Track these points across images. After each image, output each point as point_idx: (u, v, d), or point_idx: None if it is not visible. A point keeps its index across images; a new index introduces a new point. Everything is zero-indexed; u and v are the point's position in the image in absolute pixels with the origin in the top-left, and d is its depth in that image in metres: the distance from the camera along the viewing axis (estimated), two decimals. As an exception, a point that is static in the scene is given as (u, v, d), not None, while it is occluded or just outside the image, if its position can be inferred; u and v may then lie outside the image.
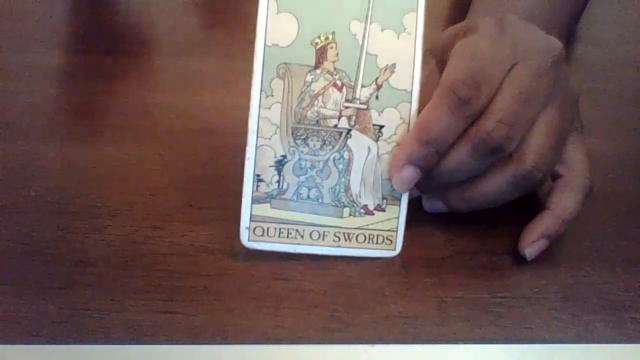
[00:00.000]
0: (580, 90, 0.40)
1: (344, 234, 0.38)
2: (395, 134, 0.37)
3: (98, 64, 0.55)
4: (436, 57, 0.39)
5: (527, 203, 0.40)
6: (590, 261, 0.39)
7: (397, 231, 0.38)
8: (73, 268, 0.37)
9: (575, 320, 0.35)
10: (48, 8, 0.63)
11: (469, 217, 0.39)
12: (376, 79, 0.37)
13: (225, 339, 0.34)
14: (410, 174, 0.36)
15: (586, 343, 0.34)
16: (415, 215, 0.39)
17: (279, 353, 0.34)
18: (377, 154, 0.37)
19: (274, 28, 0.36)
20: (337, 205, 0.37)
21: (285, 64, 0.36)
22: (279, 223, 0.37)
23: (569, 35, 0.52)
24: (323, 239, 0.38)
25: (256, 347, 0.34)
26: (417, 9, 0.37)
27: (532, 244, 0.38)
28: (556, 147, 0.37)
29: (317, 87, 0.36)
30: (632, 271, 0.38)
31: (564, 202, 0.38)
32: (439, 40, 0.39)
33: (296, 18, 0.36)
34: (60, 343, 0.33)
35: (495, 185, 0.37)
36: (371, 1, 0.36)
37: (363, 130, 0.37)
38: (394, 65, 0.37)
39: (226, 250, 0.38)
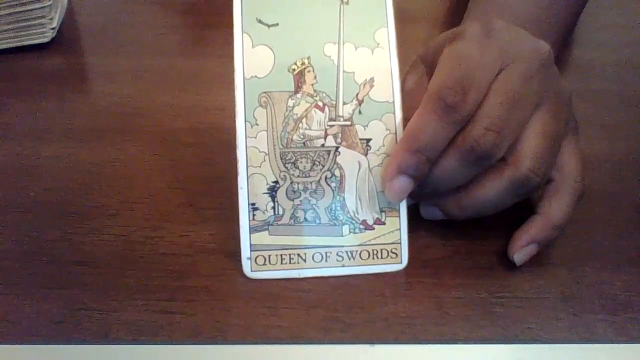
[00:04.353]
0: (579, 91, 0.39)
1: (346, 252, 0.37)
2: (383, 145, 0.37)
3: (98, 64, 0.55)
4: (426, 63, 0.38)
5: (527, 203, 0.40)
6: (590, 261, 0.38)
7: (400, 243, 0.37)
8: (73, 268, 0.37)
9: (575, 320, 0.35)
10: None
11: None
12: (356, 94, 0.37)
13: (225, 339, 0.34)
14: (402, 184, 0.36)
15: (586, 343, 0.34)
16: (414, 215, 0.39)
17: (279, 353, 0.34)
18: (369, 167, 0.37)
19: (250, 61, 0.36)
20: (335, 224, 0.37)
21: (265, 92, 0.36)
22: (280, 250, 0.37)
23: (565, 38, 0.52)
24: (326, 260, 0.37)
25: (256, 347, 0.34)
26: (387, 24, 0.37)
27: (521, 249, 0.37)
28: (552, 149, 0.36)
29: (299, 110, 0.37)
30: (632, 271, 0.38)
31: (554, 207, 0.37)
32: (429, 46, 0.38)
33: (271, 49, 0.36)
34: (60, 343, 0.34)
35: (492, 191, 0.36)
36: (341, 25, 0.37)
37: (351, 146, 0.37)
38: (372, 79, 0.37)
39: (226, 250, 0.38)
